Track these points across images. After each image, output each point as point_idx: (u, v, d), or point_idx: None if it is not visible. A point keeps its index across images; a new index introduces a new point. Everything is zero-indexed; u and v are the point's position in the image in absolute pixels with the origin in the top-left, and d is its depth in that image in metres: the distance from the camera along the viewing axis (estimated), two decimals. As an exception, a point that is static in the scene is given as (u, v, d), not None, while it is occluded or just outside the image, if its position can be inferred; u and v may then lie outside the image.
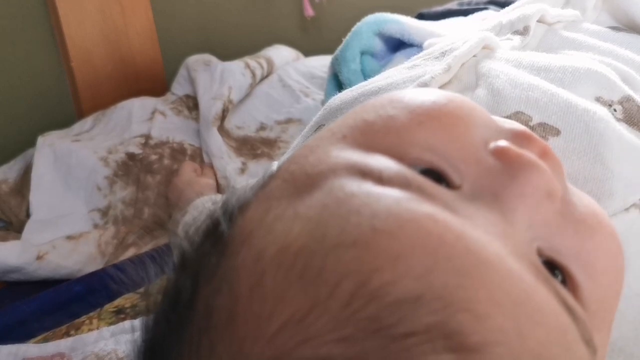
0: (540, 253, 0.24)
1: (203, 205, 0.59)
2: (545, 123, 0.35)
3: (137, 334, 0.26)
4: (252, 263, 0.22)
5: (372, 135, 0.25)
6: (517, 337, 0.19)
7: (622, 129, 0.36)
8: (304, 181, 0.24)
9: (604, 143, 0.34)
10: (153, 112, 0.90)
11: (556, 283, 0.23)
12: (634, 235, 0.33)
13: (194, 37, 1.10)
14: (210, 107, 0.87)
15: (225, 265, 0.23)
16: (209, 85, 0.91)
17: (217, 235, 0.25)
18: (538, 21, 0.48)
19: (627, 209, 0.34)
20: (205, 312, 0.23)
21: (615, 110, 0.37)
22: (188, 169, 0.81)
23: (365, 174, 0.23)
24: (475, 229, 0.21)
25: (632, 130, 0.37)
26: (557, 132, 0.35)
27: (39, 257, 0.69)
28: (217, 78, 0.92)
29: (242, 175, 0.83)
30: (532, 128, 0.35)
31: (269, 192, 0.26)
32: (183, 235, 0.27)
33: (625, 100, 0.38)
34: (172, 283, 0.25)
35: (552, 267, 0.24)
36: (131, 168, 0.81)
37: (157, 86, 1.05)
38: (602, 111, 0.36)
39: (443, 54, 0.44)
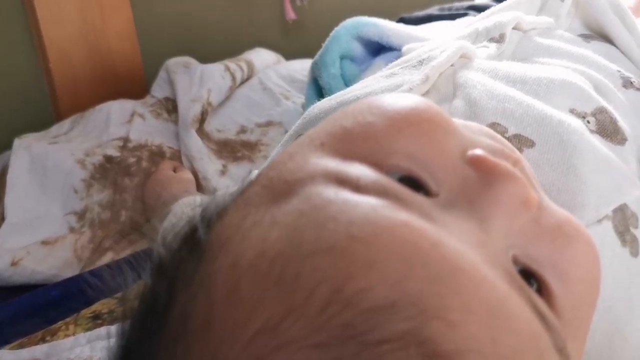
0: (515, 261, 0.24)
1: (182, 209, 0.59)
2: (520, 134, 0.36)
3: (113, 340, 0.26)
4: (228, 269, 0.22)
5: (350, 143, 0.25)
6: (490, 344, 0.19)
7: (596, 141, 0.36)
8: (281, 188, 0.24)
9: (578, 155, 0.35)
10: (132, 115, 0.89)
11: (530, 291, 0.23)
12: (606, 248, 0.33)
13: (175, 39, 1.10)
14: (189, 109, 0.87)
15: (202, 272, 0.23)
16: (188, 87, 0.91)
17: (194, 241, 0.25)
18: (513, 28, 0.49)
19: (599, 221, 0.34)
20: (181, 318, 0.23)
21: (588, 122, 0.38)
22: (166, 167, 0.80)
23: (343, 181, 0.23)
24: (451, 237, 0.22)
25: (605, 142, 0.37)
26: (531, 144, 0.35)
27: (13, 263, 0.68)
28: (196, 80, 0.91)
29: (223, 177, 0.82)
30: (507, 139, 0.35)
31: (247, 198, 0.26)
32: (161, 241, 0.26)
33: (599, 112, 0.39)
34: (149, 289, 0.25)
35: (528, 275, 0.24)
36: (109, 171, 0.80)
37: (137, 88, 1.04)
38: (577, 123, 0.36)
39: (421, 62, 0.44)
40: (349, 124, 0.26)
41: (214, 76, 0.92)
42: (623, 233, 0.34)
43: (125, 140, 0.85)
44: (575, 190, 0.34)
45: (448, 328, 0.19)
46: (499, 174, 0.24)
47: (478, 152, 0.25)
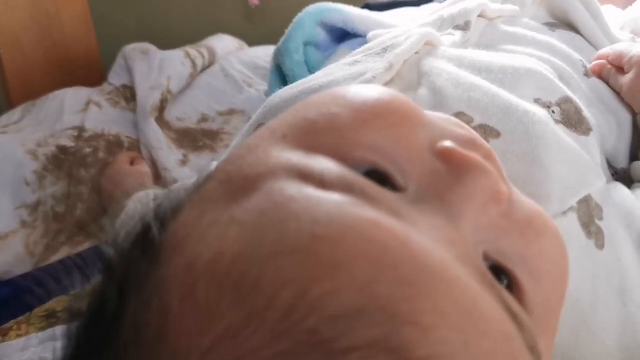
0: (486, 257, 0.23)
1: (135, 205, 0.56)
2: (486, 124, 0.35)
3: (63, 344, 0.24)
4: (183, 272, 0.21)
5: (313, 135, 0.24)
6: (463, 348, 0.18)
7: (561, 132, 0.36)
8: (241, 183, 0.23)
9: (543, 145, 0.34)
10: (87, 103, 0.87)
11: (501, 289, 0.22)
12: (571, 240, 0.33)
13: (133, 24, 1.06)
14: (147, 97, 0.84)
15: (155, 275, 0.22)
16: (146, 74, 0.88)
17: (147, 241, 0.24)
18: (478, 16, 0.48)
19: (564, 213, 0.34)
20: (132, 326, 0.21)
21: (553, 111, 0.38)
22: (123, 159, 0.77)
23: (306, 176, 0.22)
24: (420, 235, 0.21)
25: (570, 132, 0.37)
26: (497, 134, 0.35)
27: (-40, 260, 0.64)
28: (155, 67, 0.89)
29: (183, 167, 0.80)
30: (473, 129, 0.35)
31: (204, 195, 0.24)
32: (111, 241, 0.25)
33: (563, 102, 0.39)
34: (97, 294, 0.23)
35: (497, 271, 0.24)
36: (63, 162, 0.77)
37: (93, 75, 1.00)
38: (542, 113, 0.36)
39: (384, 49, 0.43)
40: (312, 115, 0.25)
41: (174, 63, 0.90)
42: (588, 225, 0.34)
43: (80, 129, 0.82)
44: (540, 181, 0.34)
45: (420, 333, 0.18)
46: (469, 167, 0.23)
47: (447, 143, 0.24)
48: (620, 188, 0.38)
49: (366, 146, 0.24)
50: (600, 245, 0.34)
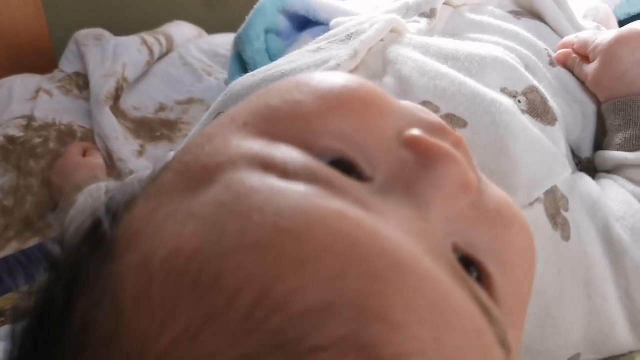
0: (455, 249, 0.23)
1: (86, 199, 0.54)
2: (452, 114, 0.35)
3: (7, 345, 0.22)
4: (137, 269, 0.20)
5: (276, 123, 0.23)
6: (435, 345, 0.18)
7: (527, 122, 0.36)
8: (199, 174, 0.22)
9: (510, 135, 0.34)
10: (37, 91, 0.83)
11: (472, 282, 0.22)
12: (538, 232, 0.33)
13: (86, 9, 1.02)
14: (102, 85, 0.81)
15: (107, 272, 0.20)
16: (100, 61, 0.85)
17: (98, 237, 0.22)
18: (444, 4, 0.48)
19: (531, 204, 0.34)
20: (82, 327, 0.20)
21: (519, 101, 0.38)
22: (74, 150, 0.74)
23: (269, 166, 0.21)
24: (389, 227, 0.20)
25: (536, 122, 0.37)
26: (464, 124, 0.35)
27: None
28: (109, 54, 0.86)
29: (140, 158, 0.78)
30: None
31: (160, 186, 0.23)
32: (59, 237, 0.23)
33: (530, 91, 0.39)
34: (43, 293, 0.22)
35: (467, 263, 0.23)
36: (11, 152, 0.74)
37: (44, 62, 0.97)
38: (508, 102, 0.36)
39: (349, 36, 0.42)
40: (275, 103, 0.24)
41: (130, 50, 0.87)
42: (554, 216, 0.34)
43: (30, 119, 0.79)
44: (508, 172, 0.33)
45: (390, 330, 0.17)
46: (437, 156, 0.23)
47: (415, 132, 0.24)
48: (585, 179, 0.38)
49: (332, 134, 0.23)
50: (566, 237, 0.34)
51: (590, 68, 0.44)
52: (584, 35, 0.47)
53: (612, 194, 0.38)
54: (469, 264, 0.23)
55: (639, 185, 0.38)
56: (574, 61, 0.47)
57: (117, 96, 0.84)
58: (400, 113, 0.25)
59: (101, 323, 0.19)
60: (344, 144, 0.23)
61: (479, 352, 0.19)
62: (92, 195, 0.53)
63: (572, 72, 0.47)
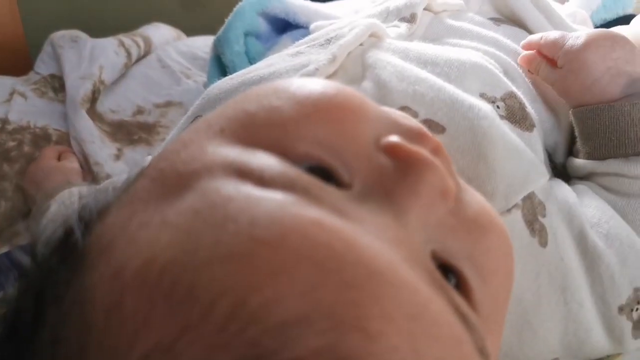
0: (434, 256, 0.23)
1: (59, 207, 0.52)
2: (431, 119, 0.35)
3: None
4: (109, 281, 0.19)
5: (253, 129, 0.23)
6: (413, 354, 0.18)
7: (506, 128, 0.36)
8: (174, 181, 0.21)
9: (488, 141, 0.34)
10: (11, 93, 0.81)
11: (450, 289, 0.22)
12: (515, 238, 0.33)
13: (62, 9, 1.00)
14: (77, 88, 0.80)
15: (78, 284, 0.20)
16: (76, 63, 0.83)
17: (69, 246, 0.21)
18: (425, 9, 0.48)
19: (509, 210, 0.34)
20: (51, 342, 0.19)
21: (498, 107, 0.38)
22: (49, 154, 0.73)
23: (245, 173, 0.20)
24: (367, 235, 0.20)
25: (514, 128, 0.37)
26: (442, 130, 0.35)
27: None
28: (86, 56, 0.84)
29: (117, 162, 0.76)
30: None
31: (134, 194, 0.22)
32: (28, 247, 0.22)
33: (508, 97, 0.39)
34: (11, 306, 0.21)
35: (445, 270, 0.23)
36: (-17, 156, 0.71)
37: (19, 64, 0.94)
38: (487, 108, 0.36)
39: (328, 41, 0.42)
40: (252, 108, 0.23)
41: (107, 51, 0.85)
42: (532, 222, 0.34)
43: (4, 121, 0.77)
44: (485, 178, 0.33)
45: (367, 341, 0.17)
46: (415, 162, 0.23)
47: (393, 138, 0.23)
48: (562, 185, 0.39)
49: (309, 141, 0.22)
50: (543, 243, 0.34)
51: (559, 74, 0.42)
52: (551, 36, 0.44)
53: (586, 200, 0.38)
54: (448, 271, 0.23)
55: (611, 191, 0.38)
56: (539, 65, 0.44)
57: (93, 98, 0.82)
58: (379, 119, 0.25)
59: (71, 337, 0.19)
60: (322, 150, 0.22)
61: None
62: (64, 202, 0.52)
63: (537, 75, 0.44)
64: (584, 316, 0.34)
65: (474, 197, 0.26)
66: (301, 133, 0.22)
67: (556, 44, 0.43)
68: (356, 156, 0.23)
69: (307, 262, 0.18)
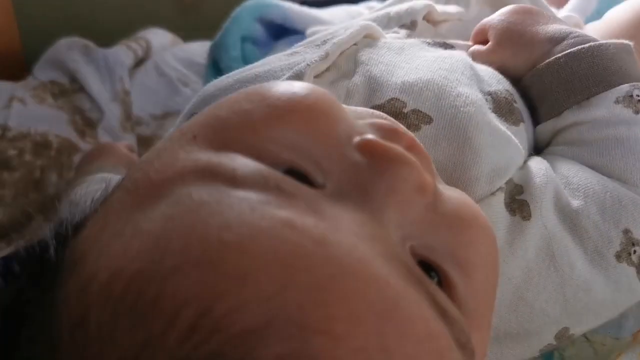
0: (413, 252, 0.22)
1: (84, 192, 0.50)
2: (419, 110, 0.35)
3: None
4: (75, 297, 0.19)
5: (225, 133, 0.22)
6: (382, 354, 0.17)
7: (492, 116, 0.36)
8: (147, 191, 0.21)
9: (474, 126, 0.34)
10: (10, 99, 0.80)
11: (430, 284, 0.21)
12: (499, 220, 0.33)
13: (58, 15, 1.00)
14: (113, 112, 0.80)
15: (47, 303, 0.19)
16: (99, 79, 0.83)
17: (43, 263, 0.21)
18: (426, 20, 0.48)
19: (493, 194, 0.34)
20: None
21: (486, 100, 0.37)
22: (122, 144, 0.70)
23: (217, 175, 0.20)
24: (339, 232, 0.19)
25: (501, 121, 0.37)
26: (429, 120, 0.35)
27: None
28: (102, 66, 0.84)
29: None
30: (405, 115, 0.34)
31: (109, 206, 0.22)
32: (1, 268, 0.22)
33: (495, 92, 0.39)
34: None
35: (428, 267, 0.23)
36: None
37: (14, 68, 0.93)
38: (475, 96, 0.36)
39: (324, 42, 0.42)
40: (224, 113, 0.23)
41: (120, 59, 0.85)
42: (510, 203, 0.34)
43: (4, 128, 0.76)
44: (470, 163, 0.33)
45: (332, 343, 0.17)
46: (390, 159, 0.22)
47: (367, 136, 0.23)
48: (533, 158, 0.39)
49: (281, 143, 0.22)
50: (527, 216, 0.34)
51: (489, 49, 0.43)
52: (482, 22, 0.45)
53: (555, 164, 0.38)
54: (430, 269, 0.23)
55: (574, 145, 0.39)
56: (473, 52, 0.44)
57: (127, 115, 0.82)
58: (352, 118, 0.25)
59: (38, 357, 0.18)
60: (294, 153, 0.22)
61: (434, 355, 0.19)
62: (93, 186, 0.50)
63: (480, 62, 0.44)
64: (578, 277, 0.33)
65: (454, 192, 0.26)
66: (272, 135, 0.22)
67: (484, 26, 0.45)
68: (329, 156, 0.23)
69: (274, 264, 0.17)
